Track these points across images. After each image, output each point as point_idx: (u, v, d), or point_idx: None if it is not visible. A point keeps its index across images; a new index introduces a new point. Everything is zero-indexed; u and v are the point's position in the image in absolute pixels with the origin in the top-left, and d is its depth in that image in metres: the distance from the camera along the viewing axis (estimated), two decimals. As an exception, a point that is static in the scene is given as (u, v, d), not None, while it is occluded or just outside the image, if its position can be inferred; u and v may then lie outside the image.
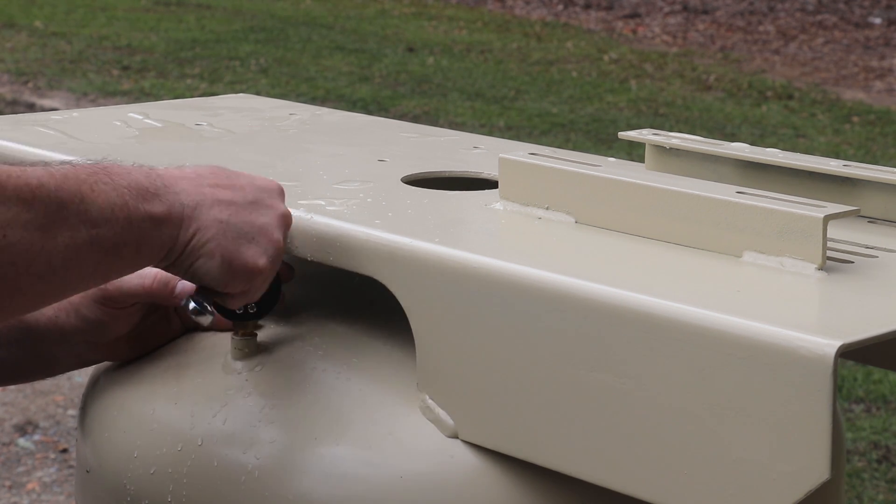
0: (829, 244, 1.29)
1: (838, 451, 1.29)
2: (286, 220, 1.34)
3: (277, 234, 1.31)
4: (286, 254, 1.44)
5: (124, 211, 1.20)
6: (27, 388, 4.44)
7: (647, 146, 1.58)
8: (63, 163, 1.22)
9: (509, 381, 1.27)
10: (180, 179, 1.27)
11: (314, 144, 1.79)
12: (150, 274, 1.42)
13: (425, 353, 1.33)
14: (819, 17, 12.10)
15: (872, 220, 1.44)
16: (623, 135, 1.61)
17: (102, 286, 1.42)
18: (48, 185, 1.15)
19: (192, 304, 1.31)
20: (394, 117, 6.51)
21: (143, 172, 1.24)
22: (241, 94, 2.17)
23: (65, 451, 4.08)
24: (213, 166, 1.33)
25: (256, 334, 1.42)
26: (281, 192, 1.35)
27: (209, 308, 1.32)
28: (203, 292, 1.32)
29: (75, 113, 1.96)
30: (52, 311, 1.45)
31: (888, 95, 9.21)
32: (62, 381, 4.47)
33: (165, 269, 1.28)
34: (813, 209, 1.25)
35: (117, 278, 1.29)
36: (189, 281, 1.31)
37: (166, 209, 1.23)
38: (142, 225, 1.21)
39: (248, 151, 1.73)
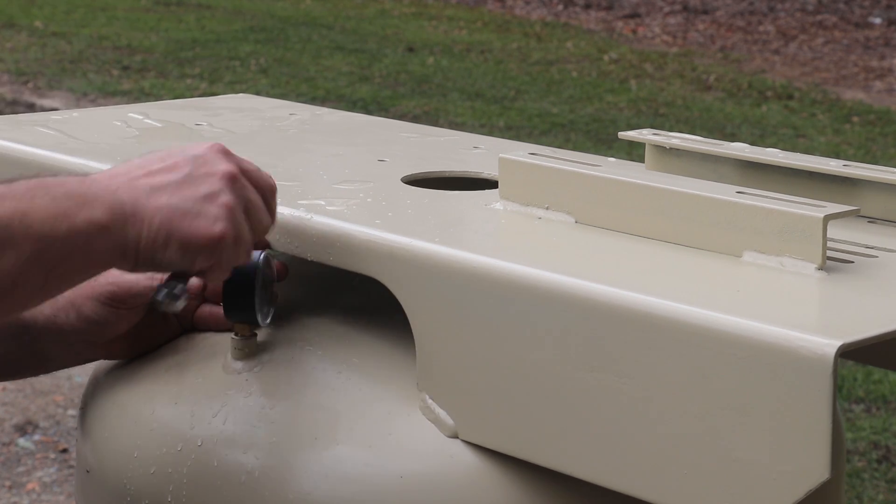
0: (829, 244, 1.29)
1: (838, 451, 1.29)
2: (231, 176, 1.27)
3: (225, 197, 1.26)
4: (283, 254, 1.44)
5: (66, 221, 1.18)
6: (27, 387, 4.44)
7: (647, 146, 1.58)
8: None
9: (509, 381, 1.27)
10: (113, 178, 1.24)
11: (314, 144, 1.79)
12: (159, 274, 1.41)
13: (425, 353, 1.33)
14: (819, 17, 12.10)
15: (872, 220, 1.44)
16: (623, 135, 1.61)
17: (111, 286, 1.42)
18: None
19: (162, 294, 1.28)
20: (394, 117, 6.51)
21: (77, 181, 1.22)
22: (241, 94, 2.17)
23: (65, 451, 4.08)
24: (146, 154, 1.28)
25: (256, 334, 1.42)
26: (221, 151, 1.29)
27: (179, 294, 1.28)
28: (177, 277, 1.30)
29: (75, 113, 1.96)
30: (50, 311, 1.45)
31: (888, 95, 9.21)
32: (62, 381, 4.47)
33: (133, 270, 1.26)
34: (813, 209, 1.25)
35: (71, 288, 1.27)
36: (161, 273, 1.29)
37: (107, 211, 1.21)
38: (87, 231, 1.19)
39: (248, 151, 1.72)
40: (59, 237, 1.18)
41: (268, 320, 1.41)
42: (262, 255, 1.38)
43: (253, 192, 1.29)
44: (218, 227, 1.24)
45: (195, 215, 1.24)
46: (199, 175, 1.26)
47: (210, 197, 1.25)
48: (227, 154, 1.29)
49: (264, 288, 1.39)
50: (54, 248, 1.18)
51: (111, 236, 1.21)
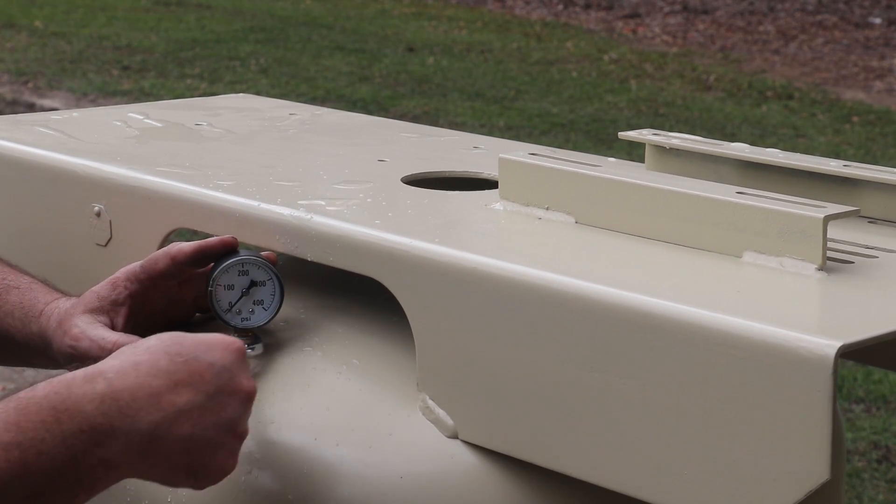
0: (829, 244, 1.29)
1: (838, 451, 1.29)
2: (251, 397, 1.22)
3: (243, 424, 1.22)
4: (284, 254, 1.44)
5: (73, 468, 1.12)
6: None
7: (647, 146, 1.58)
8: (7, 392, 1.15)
9: (509, 381, 1.27)
10: (136, 393, 1.15)
11: (314, 144, 1.79)
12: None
13: (425, 353, 1.33)
14: (819, 17, 12.10)
15: (872, 220, 1.44)
16: (623, 135, 1.61)
17: (69, 349, 1.38)
18: None
19: None
20: (394, 117, 6.50)
21: (97, 398, 1.14)
22: (241, 94, 2.17)
23: (65, 451, 4.07)
24: (168, 346, 1.19)
25: (256, 335, 1.42)
26: (240, 356, 1.22)
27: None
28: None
29: (75, 113, 1.96)
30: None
31: (888, 95, 9.20)
32: (62, 381, 4.45)
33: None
34: (813, 209, 1.25)
35: None
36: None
37: (121, 448, 1.14)
38: (94, 471, 1.13)
39: (248, 151, 1.73)
40: (64, 488, 1.12)
41: (266, 321, 1.40)
42: (230, 261, 1.38)
43: None
44: (232, 463, 1.21)
45: (216, 448, 1.19)
46: (226, 393, 1.20)
47: (232, 426, 1.20)
48: (244, 361, 1.23)
49: (245, 291, 1.38)
50: (58, 498, 1.11)
51: (119, 472, 1.16)
